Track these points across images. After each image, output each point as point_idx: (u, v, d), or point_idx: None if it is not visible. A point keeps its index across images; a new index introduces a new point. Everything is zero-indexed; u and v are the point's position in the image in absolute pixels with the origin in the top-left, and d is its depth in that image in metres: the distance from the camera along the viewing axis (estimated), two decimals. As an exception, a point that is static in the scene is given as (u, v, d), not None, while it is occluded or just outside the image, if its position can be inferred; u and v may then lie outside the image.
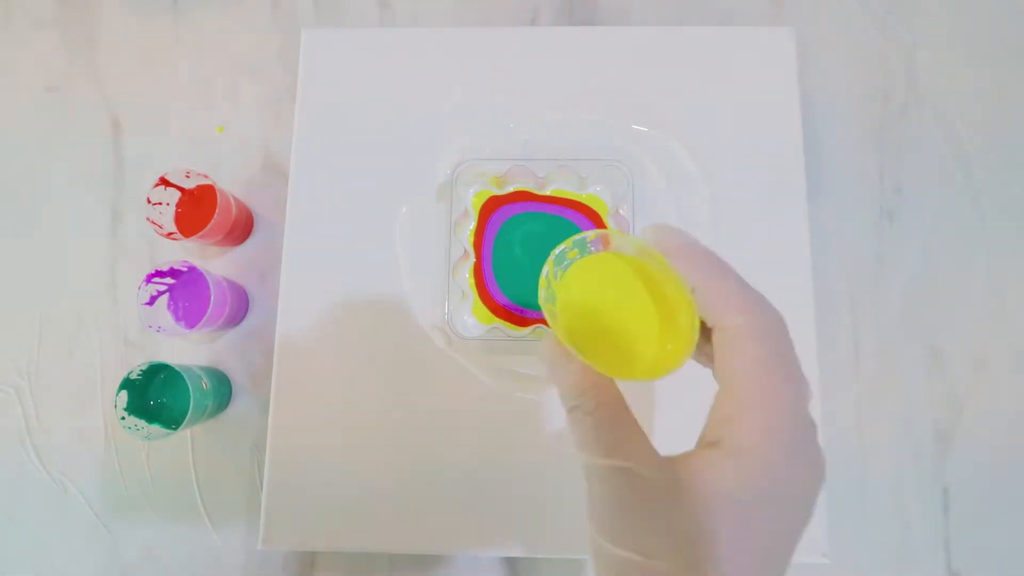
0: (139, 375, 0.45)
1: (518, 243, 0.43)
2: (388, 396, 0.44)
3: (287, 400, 0.44)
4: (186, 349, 0.50)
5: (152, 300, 0.46)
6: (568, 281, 0.24)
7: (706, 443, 0.21)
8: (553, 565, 0.47)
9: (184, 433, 0.49)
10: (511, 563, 0.48)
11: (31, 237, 0.52)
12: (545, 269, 0.24)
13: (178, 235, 0.46)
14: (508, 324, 0.42)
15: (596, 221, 0.43)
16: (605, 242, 0.24)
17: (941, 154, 0.52)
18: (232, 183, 0.52)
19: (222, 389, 0.48)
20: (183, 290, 0.48)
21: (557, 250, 0.24)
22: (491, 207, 0.43)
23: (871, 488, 0.48)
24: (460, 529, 0.43)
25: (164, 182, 0.47)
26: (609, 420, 0.22)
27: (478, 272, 0.43)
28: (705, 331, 0.22)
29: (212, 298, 0.44)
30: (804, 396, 0.21)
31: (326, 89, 0.48)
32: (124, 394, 0.44)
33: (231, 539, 0.48)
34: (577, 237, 0.24)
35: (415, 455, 0.43)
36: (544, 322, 0.42)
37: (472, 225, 0.43)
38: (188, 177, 0.47)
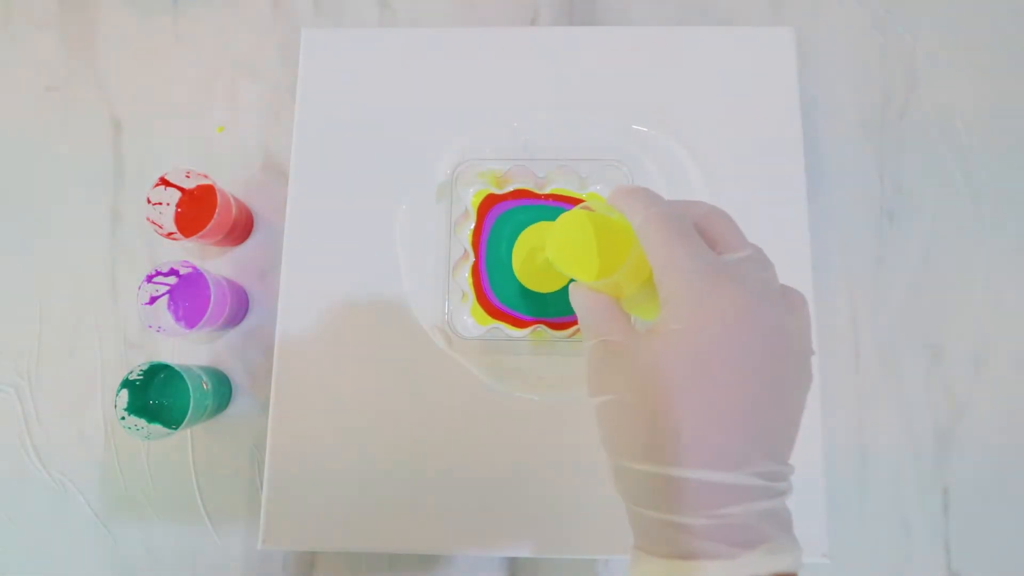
0: (139, 375, 0.45)
1: (505, 239, 0.43)
2: (388, 396, 0.44)
3: (287, 400, 0.44)
4: (186, 349, 0.50)
5: (152, 300, 0.46)
6: (553, 231, 0.32)
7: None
8: (553, 565, 0.47)
9: (184, 433, 0.49)
10: (511, 563, 0.47)
11: (31, 237, 0.52)
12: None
13: (178, 235, 0.46)
14: (507, 324, 0.42)
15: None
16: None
17: (941, 154, 0.52)
18: (232, 183, 0.52)
19: (222, 389, 0.48)
20: (183, 290, 0.48)
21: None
22: (490, 207, 0.43)
23: (871, 488, 0.48)
24: (460, 529, 0.43)
25: (164, 182, 0.47)
26: (596, 316, 0.28)
27: (476, 272, 0.43)
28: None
29: (212, 298, 0.44)
30: (720, 250, 0.26)
31: (326, 89, 0.48)
32: (124, 394, 0.44)
33: (231, 539, 0.48)
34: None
35: (415, 455, 0.43)
36: (541, 322, 0.42)
37: (472, 225, 0.43)
38: (188, 177, 0.47)
